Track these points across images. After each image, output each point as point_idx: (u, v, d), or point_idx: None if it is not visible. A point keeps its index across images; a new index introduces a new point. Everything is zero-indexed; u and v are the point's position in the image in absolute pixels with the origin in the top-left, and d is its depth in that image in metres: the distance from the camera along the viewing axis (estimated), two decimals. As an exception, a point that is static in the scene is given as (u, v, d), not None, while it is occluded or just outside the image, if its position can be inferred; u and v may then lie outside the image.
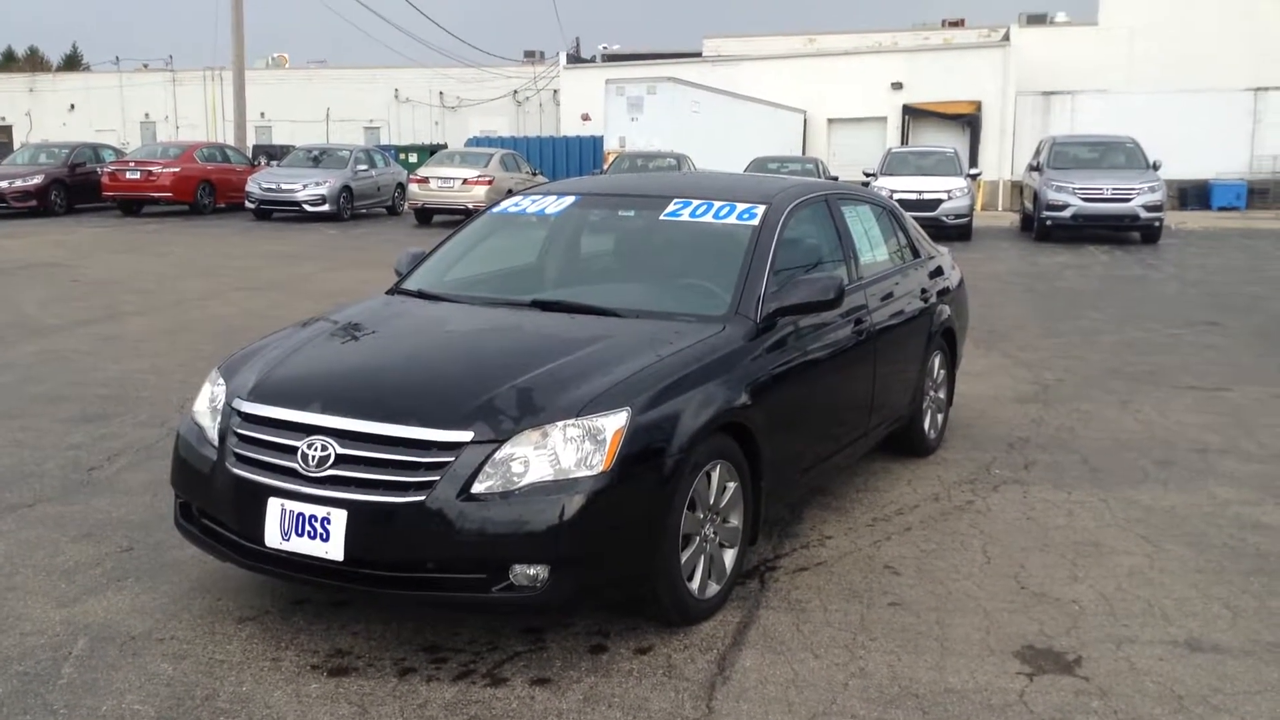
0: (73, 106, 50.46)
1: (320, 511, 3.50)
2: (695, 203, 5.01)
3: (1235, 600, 4.22)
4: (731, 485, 4.03)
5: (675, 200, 5.06)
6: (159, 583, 4.27)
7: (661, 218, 5.02)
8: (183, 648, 3.73)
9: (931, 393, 6.17)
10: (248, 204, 23.80)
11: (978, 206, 25.53)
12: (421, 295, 4.94)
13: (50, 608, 4.03)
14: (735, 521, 4.10)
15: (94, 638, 3.79)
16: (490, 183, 22.68)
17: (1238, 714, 3.36)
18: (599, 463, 3.50)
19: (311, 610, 4.02)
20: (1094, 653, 3.76)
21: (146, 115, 50.18)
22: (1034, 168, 21.44)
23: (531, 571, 3.46)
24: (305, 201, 23.15)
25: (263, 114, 46.06)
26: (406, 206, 24.71)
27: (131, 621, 3.93)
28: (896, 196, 18.17)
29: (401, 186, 25.99)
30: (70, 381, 7.83)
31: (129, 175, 24.10)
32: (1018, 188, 27.62)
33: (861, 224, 5.71)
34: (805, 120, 37.12)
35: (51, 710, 3.31)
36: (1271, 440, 6.55)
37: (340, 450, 3.56)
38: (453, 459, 3.47)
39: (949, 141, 29.83)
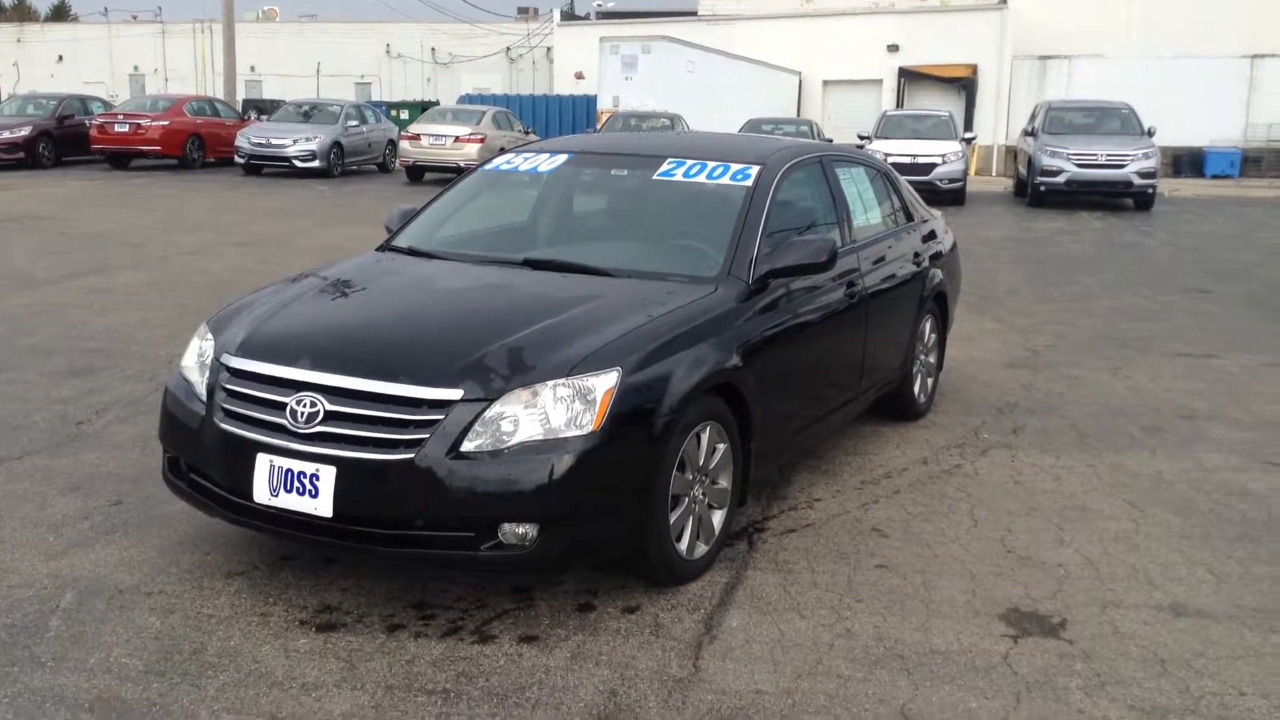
0: (61, 58, 49.96)
1: (309, 468, 3.49)
2: (689, 163, 4.97)
3: (1220, 566, 4.25)
4: (721, 447, 4.03)
5: (668, 160, 5.02)
6: (147, 537, 4.27)
7: (654, 177, 4.98)
8: (171, 602, 3.73)
9: (922, 357, 6.17)
10: (237, 159, 23.58)
11: (972, 171, 25.47)
12: (412, 252, 4.91)
13: (38, 561, 4.03)
14: (724, 483, 4.10)
15: (82, 591, 3.79)
16: (482, 141, 22.53)
17: (1220, 678, 3.39)
18: (589, 422, 3.49)
19: (300, 566, 4.02)
20: (1078, 616, 3.79)
21: (135, 68, 49.71)
22: (1029, 133, 21.38)
23: (520, 530, 3.46)
24: (295, 157, 22.95)
25: (253, 68, 45.67)
26: (398, 163, 24.53)
27: (120, 575, 3.93)
28: (891, 160, 18.08)
29: (393, 143, 25.77)
30: (58, 335, 7.79)
31: (117, 128, 23.85)
32: (1012, 153, 27.55)
33: (855, 186, 5.68)
34: (800, 82, 36.89)
35: (39, 663, 3.32)
36: (1260, 407, 6.58)
37: (329, 407, 3.55)
38: (442, 417, 3.46)
39: (944, 105, 29.65)
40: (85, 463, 5.11)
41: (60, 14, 68.80)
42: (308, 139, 23.13)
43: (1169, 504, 4.92)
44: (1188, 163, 32.72)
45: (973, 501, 4.90)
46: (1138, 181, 19.36)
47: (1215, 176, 31.77)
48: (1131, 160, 19.30)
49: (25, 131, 23.69)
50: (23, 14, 66.80)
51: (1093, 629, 3.70)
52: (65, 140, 24.60)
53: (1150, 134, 20.21)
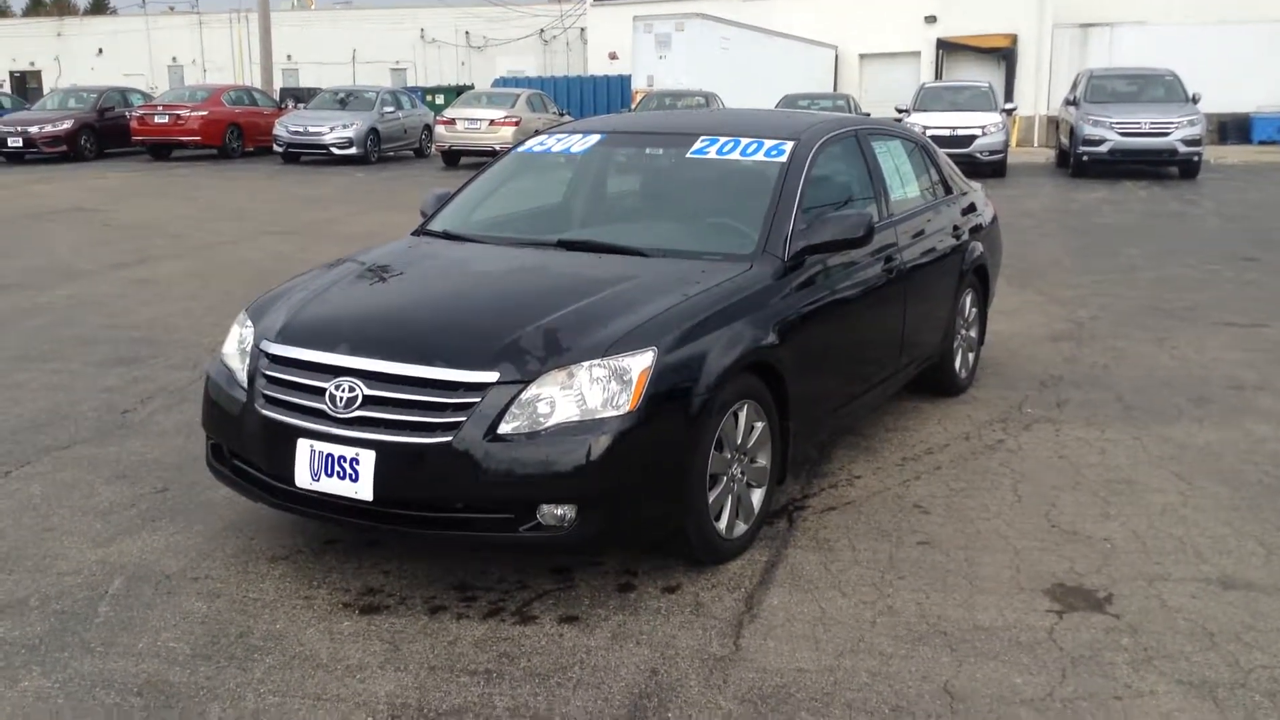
0: (100, 50, 50.49)
1: (349, 452, 3.52)
2: (722, 140, 4.93)
3: (1269, 538, 4.18)
4: (759, 425, 4.01)
5: (702, 138, 4.99)
6: (193, 523, 4.32)
7: (688, 155, 4.95)
8: (217, 586, 3.78)
9: (963, 331, 6.10)
10: (275, 147, 23.77)
11: (1013, 142, 25.13)
12: (447, 236, 4.92)
13: (86, 548, 4.10)
14: (763, 461, 4.08)
15: (129, 577, 3.85)
16: (517, 123, 22.52)
17: (1270, 651, 3.34)
18: (625, 403, 3.49)
19: (342, 549, 4.06)
20: (1125, 590, 3.74)
21: (174, 59, 50.15)
22: (1070, 102, 21.04)
23: (559, 511, 3.47)
24: (332, 144, 23.08)
25: (289, 56, 45.93)
26: (434, 148, 24.62)
27: (166, 561, 3.98)
28: (930, 132, 17.90)
29: (428, 128, 25.84)
30: (103, 325, 7.90)
31: (157, 119, 24.12)
32: (1054, 123, 27.14)
33: (892, 160, 5.61)
34: (837, 56, 36.54)
35: (89, 648, 3.37)
36: (1310, 377, 6.45)
37: (368, 391, 3.56)
38: (479, 400, 3.47)
39: (984, 76, 29.29)
40: (131, 451, 5.18)
41: (99, 7, 69.50)
42: (345, 126, 23.25)
43: (1217, 476, 4.84)
44: (1234, 129, 32.07)
45: (1016, 476, 4.85)
46: (1182, 149, 19.01)
47: (1263, 142, 31.12)
48: (1176, 128, 18.94)
49: (67, 125, 23.99)
50: (62, 8, 67.61)
51: (1139, 603, 3.65)
52: (106, 132, 24.90)
53: (1195, 101, 19.81)
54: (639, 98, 25.37)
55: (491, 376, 3.50)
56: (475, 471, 3.43)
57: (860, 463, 5.03)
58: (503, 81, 37.01)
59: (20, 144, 23.42)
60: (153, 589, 3.76)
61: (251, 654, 3.34)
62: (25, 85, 49.67)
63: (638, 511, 3.62)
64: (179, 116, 23.99)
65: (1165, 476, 4.84)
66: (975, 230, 6.21)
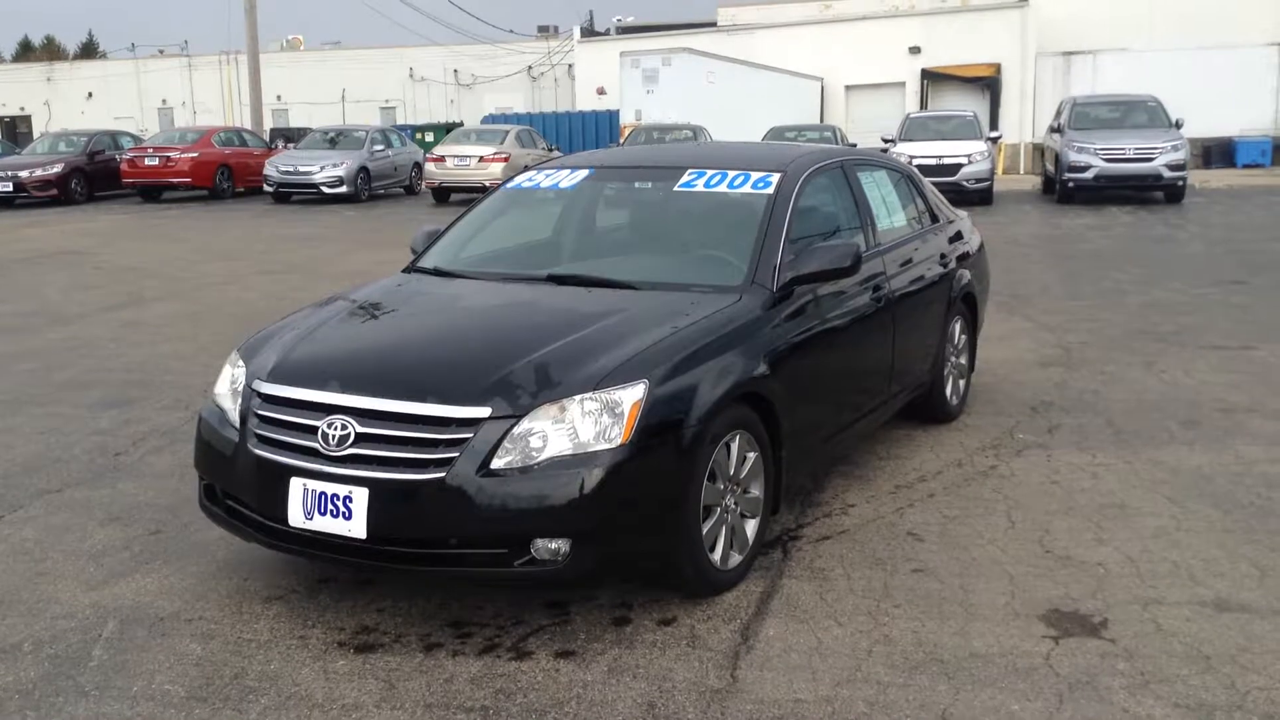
0: (90, 94, 50.71)
1: (342, 490, 3.52)
2: (710, 173, 4.97)
3: (1263, 559, 4.19)
4: (751, 455, 4.02)
5: (689, 171, 5.03)
6: (186, 564, 4.31)
7: (676, 189, 4.99)
8: (211, 628, 3.77)
9: (953, 358, 6.13)
10: (266, 187, 23.88)
11: (999, 170, 25.31)
12: (437, 273, 4.94)
13: (80, 591, 4.08)
14: (756, 492, 4.09)
15: (123, 620, 3.83)
16: (506, 159, 22.64)
17: (1266, 673, 3.34)
18: (617, 436, 3.50)
19: (337, 588, 4.04)
20: (1120, 614, 3.74)
21: (164, 101, 50.37)
22: (1055, 129, 21.23)
23: (553, 545, 3.46)
24: (323, 183, 23.19)
25: (279, 97, 46.17)
26: (424, 185, 24.73)
27: (160, 603, 3.97)
28: (916, 162, 18.03)
29: (418, 166, 25.97)
30: (95, 367, 7.89)
31: (148, 162, 24.22)
32: (1039, 150, 27.37)
33: (878, 190, 5.66)
34: (822, 88, 36.83)
35: (83, 692, 3.35)
36: (1299, 398, 6.48)
37: (360, 429, 3.57)
38: (471, 435, 3.48)
39: (969, 105, 29.53)
40: (124, 493, 5.17)
41: (89, 51, 69.90)
42: (335, 165, 23.37)
43: (1209, 498, 4.86)
44: (1218, 153, 32.36)
45: (1009, 502, 4.86)
46: (1167, 174, 19.17)
47: (1247, 166, 31.38)
48: (1160, 153, 19.12)
49: (58, 169, 24.10)
50: (52, 53, 67.93)
51: (1135, 627, 3.65)
52: (97, 175, 25.00)
53: (1178, 126, 20.00)
54: (627, 132, 25.54)
55: (484, 412, 3.51)
56: (469, 507, 3.43)
57: (853, 491, 5.03)
58: (491, 118, 37.22)
59: (10, 188, 23.51)
60: (147, 631, 3.74)
61: (246, 695, 3.32)
62: (15, 130, 49.83)
63: (632, 544, 3.62)
64: (169, 158, 24.11)
65: (1157, 500, 4.85)
66: (962, 258, 6.26)
